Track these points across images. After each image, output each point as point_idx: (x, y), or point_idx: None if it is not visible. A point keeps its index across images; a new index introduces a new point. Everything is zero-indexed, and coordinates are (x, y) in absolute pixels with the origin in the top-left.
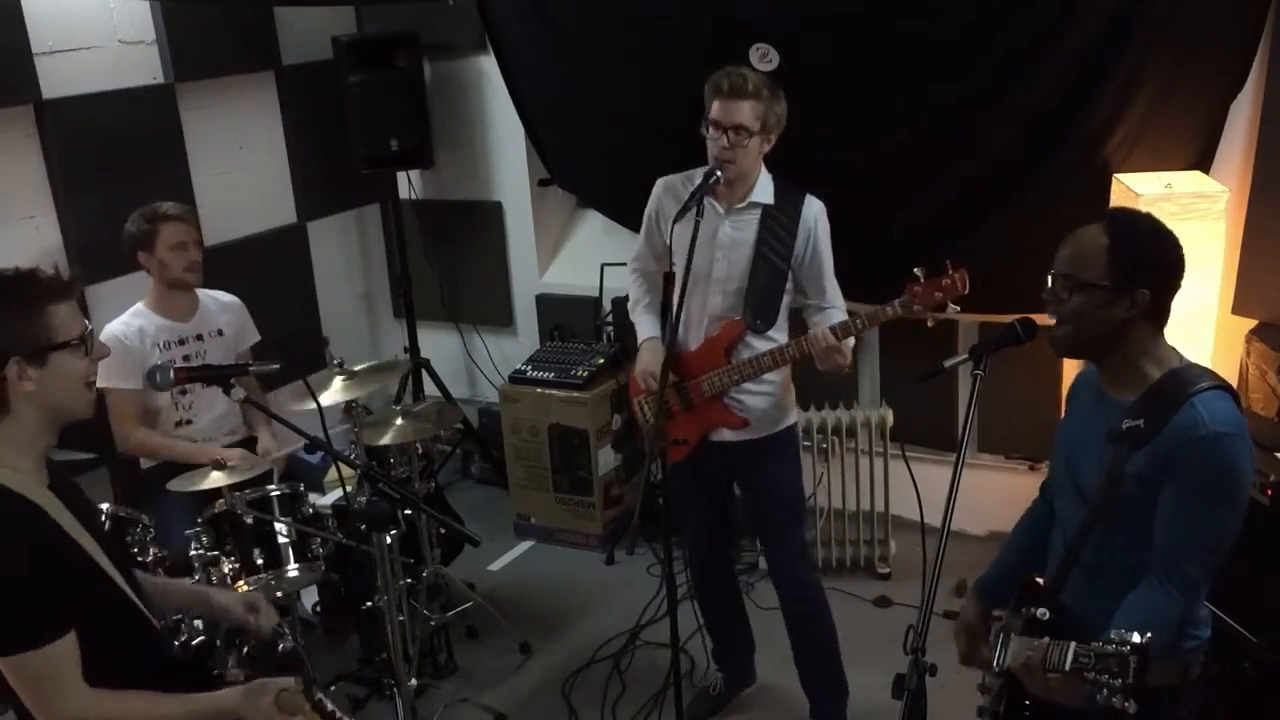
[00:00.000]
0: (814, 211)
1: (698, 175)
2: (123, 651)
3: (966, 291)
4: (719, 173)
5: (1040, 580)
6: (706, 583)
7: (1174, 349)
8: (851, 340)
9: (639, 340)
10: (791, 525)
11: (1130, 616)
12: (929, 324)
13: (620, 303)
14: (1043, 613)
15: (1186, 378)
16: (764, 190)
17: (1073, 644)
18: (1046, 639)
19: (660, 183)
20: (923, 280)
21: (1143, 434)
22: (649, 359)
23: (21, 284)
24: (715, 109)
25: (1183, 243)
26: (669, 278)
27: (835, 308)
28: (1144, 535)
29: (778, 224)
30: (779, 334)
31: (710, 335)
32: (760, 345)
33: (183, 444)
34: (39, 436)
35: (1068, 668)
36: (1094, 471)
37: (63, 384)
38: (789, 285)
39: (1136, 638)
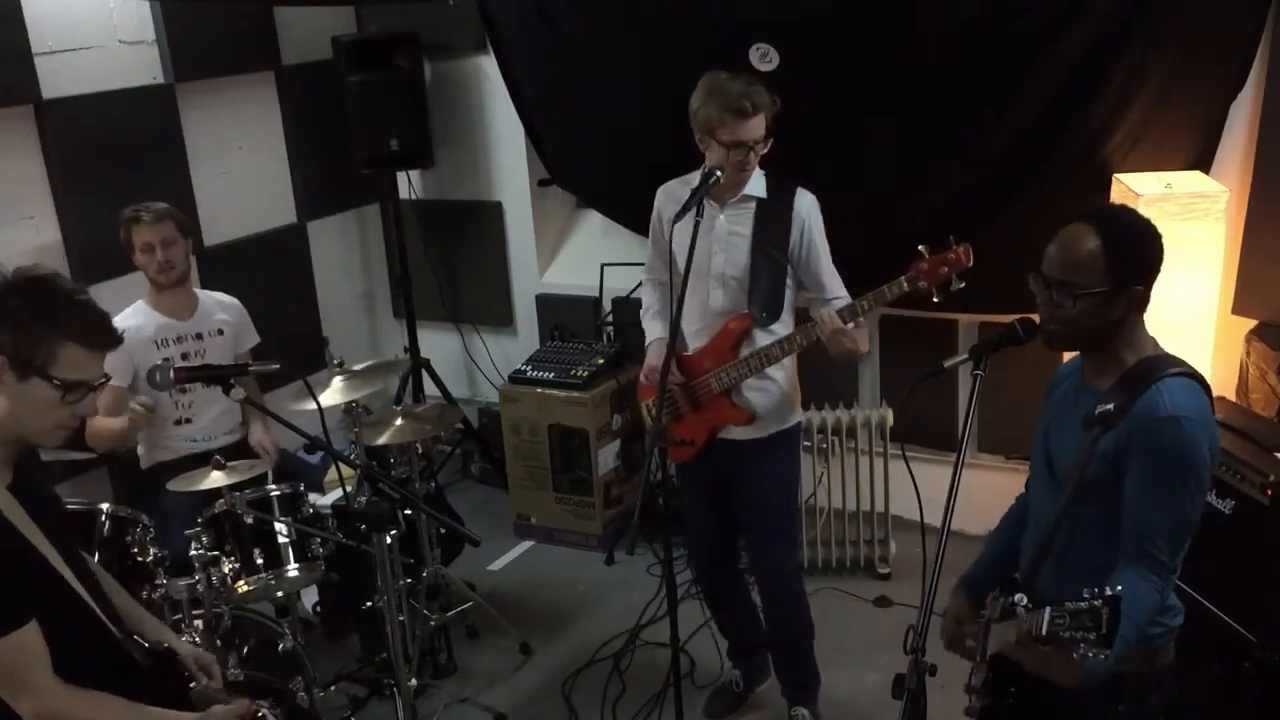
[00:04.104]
0: (806, 204)
1: (695, 178)
2: (81, 655)
3: (970, 264)
4: (719, 173)
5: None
6: (714, 584)
7: (1152, 337)
8: (863, 324)
9: (646, 344)
10: (782, 530)
11: None
12: (935, 299)
13: (620, 302)
14: (1020, 597)
15: (1156, 364)
16: (757, 184)
17: (1047, 609)
18: (1024, 612)
19: (661, 190)
20: (927, 256)
21: (1113, 417)
22: (655, 358)
23: (66, 306)
24: (738, 130)
25: (1183, 243)
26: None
27: (838, 298)
28: (1112, 521)
29: (772, 216)
30: (783, 328)
31: (716, 331)
32: (766, 339)
33: (110, 421)
34: (3, 442)
35: (1045, 631)
36: (1069, 456)
37: (28, 407)
38: (790, 279)
39: (1108, 591)
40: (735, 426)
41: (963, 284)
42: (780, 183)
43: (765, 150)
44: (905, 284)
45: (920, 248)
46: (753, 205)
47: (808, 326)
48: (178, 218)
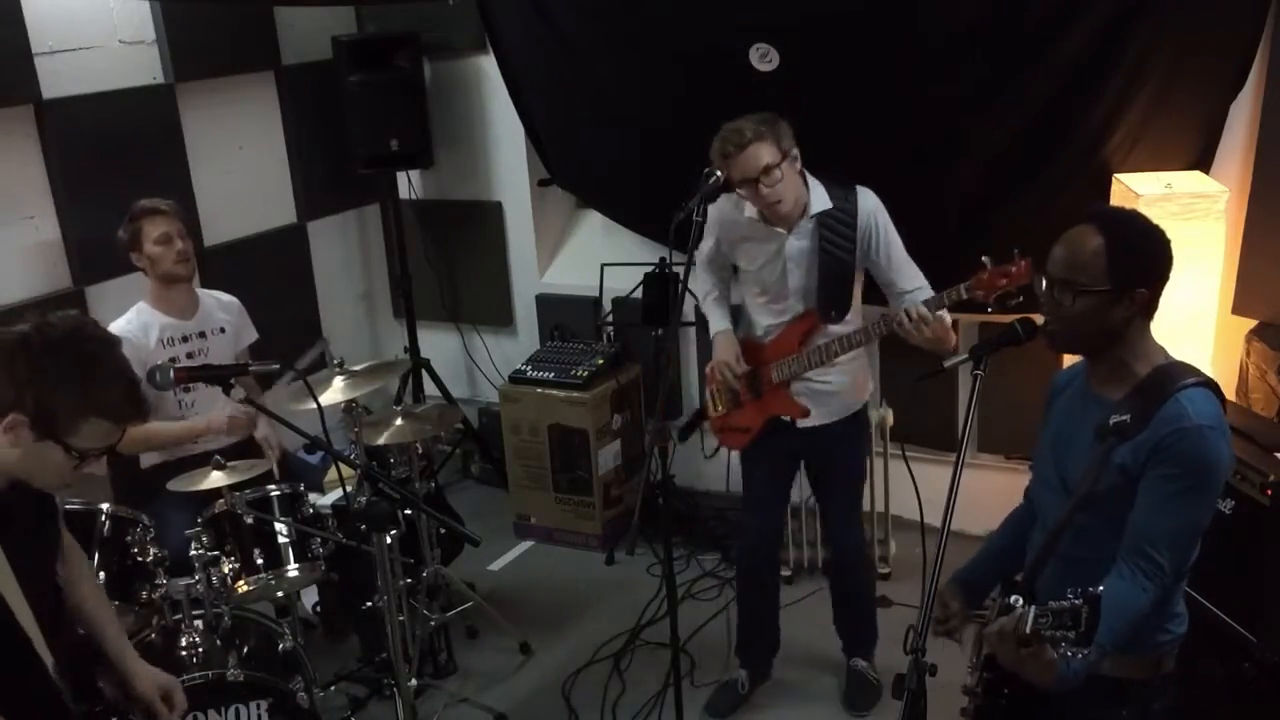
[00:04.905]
0: (870, 205)
1: (746, 207)
2: (17, 699)
3: (1028, 282)
4: (719, 173)
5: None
6: (755, 577)
7: (1160, 346)
8: (945, 314)
9: (711, 332)
10: (855, 502)
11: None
12: (989, 310)
13: (620, 302)
14: (1016, 599)
15: (1173, 374)
16: (819, 199)
17: (1031, 608)
18: (1015, 607)
19: (713, 210)
20: (989, 268)
21: (1130, 428)
22: (724, 350)
23: (99, 377)
24: (736, 169)
25: (1183, 243)
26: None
27: (919, 288)
28: (1120, 528)
29: (837, 221)
30: (852, 324)
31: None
32: (837, 332)
33: (173, 426)
34: None
35: (1029, 630)
36: (1081, 467)
37: (38, 463)
38: (857, 274)
39: (1090, 590)
40: (789, 417)
41: (1020, 298)
42: (837, 187)
43: (786, 172)
44: (964, 291)
45: (984, 259)
46: (815, 219)
47: (879, 321)
48: (183, 218)
